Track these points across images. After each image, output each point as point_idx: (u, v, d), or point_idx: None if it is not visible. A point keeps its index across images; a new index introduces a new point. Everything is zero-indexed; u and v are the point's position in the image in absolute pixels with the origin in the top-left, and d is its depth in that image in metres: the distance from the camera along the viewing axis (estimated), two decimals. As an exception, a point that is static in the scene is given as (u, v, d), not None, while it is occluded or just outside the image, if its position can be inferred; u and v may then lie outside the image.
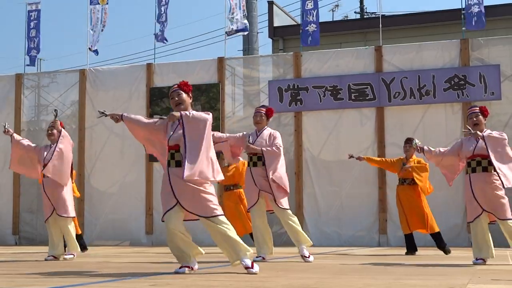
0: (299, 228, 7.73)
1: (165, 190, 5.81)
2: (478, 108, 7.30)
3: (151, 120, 6.12)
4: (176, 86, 6.08)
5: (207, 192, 5.74)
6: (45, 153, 8.22)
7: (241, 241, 5.72)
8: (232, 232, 5.70)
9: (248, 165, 7.83)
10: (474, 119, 7.21)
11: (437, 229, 9.34)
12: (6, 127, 8.17)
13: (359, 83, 13.16)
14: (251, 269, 5.63)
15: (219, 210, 5.74)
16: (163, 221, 5.82)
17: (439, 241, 9.36)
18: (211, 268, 6.37)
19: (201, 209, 5.70)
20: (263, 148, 7.61)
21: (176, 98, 5.99)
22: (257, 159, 7.68)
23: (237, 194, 10.02)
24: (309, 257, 7.54)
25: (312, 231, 12.94)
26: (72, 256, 8.22)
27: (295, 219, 7.76)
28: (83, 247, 10.19)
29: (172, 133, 5.91)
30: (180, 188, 5.71)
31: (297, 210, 13.07)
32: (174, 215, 5.72)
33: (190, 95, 6.09)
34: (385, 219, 12.71)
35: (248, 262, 5.68)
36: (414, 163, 9.38)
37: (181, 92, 6.01)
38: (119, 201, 14.15)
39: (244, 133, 7.95)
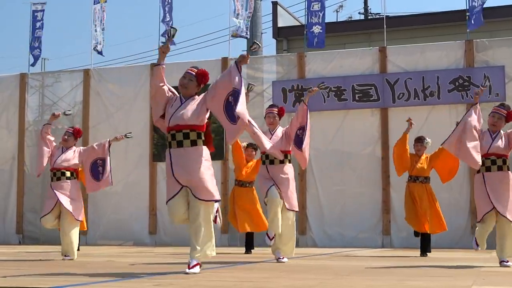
0: (294, 238, 7.71)
1: (168, 173, 5.79)
2: (505, 112, 6.98)
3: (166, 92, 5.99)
4: (194, 70, 5.98)
5: (209, 174, 5.72)
6: (55, 157, 8.35)
7: (210, 240, 5.65)
8: (207, 227, 5.65)
9: (264, 162, 7.78)
10: (496, 120, 6.97)
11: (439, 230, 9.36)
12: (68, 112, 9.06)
13: (363, 84, 13.13)
14: (189, 270, 5.60)
15: (216, 196, 5.72)
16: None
17: (427, 243, 9.28)
18: (214, 268, 6.37)
19: (201, 191, 5.65)
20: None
21: (185, 81, 5.93)
22: (273, 156, 7.66)
23: (252, 191, 9.98)
24: (283, 258, 7.58)
25: (315, 232, 12.93)
26: (71, 258, 8.12)
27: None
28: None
29: (173, 112, 5.82)
30: (182, 168, 5.67)
31: (301, 210, 13.03)
32: (177, 205, 5.71)
33: (201, 86, 6.01)
34: (388, 220, 12.67)
35: (193, 262, 5.64)
36: (426, 161, 9.29)
37: (194, 78, 5.95)
38: (122, 201, 14.14)
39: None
